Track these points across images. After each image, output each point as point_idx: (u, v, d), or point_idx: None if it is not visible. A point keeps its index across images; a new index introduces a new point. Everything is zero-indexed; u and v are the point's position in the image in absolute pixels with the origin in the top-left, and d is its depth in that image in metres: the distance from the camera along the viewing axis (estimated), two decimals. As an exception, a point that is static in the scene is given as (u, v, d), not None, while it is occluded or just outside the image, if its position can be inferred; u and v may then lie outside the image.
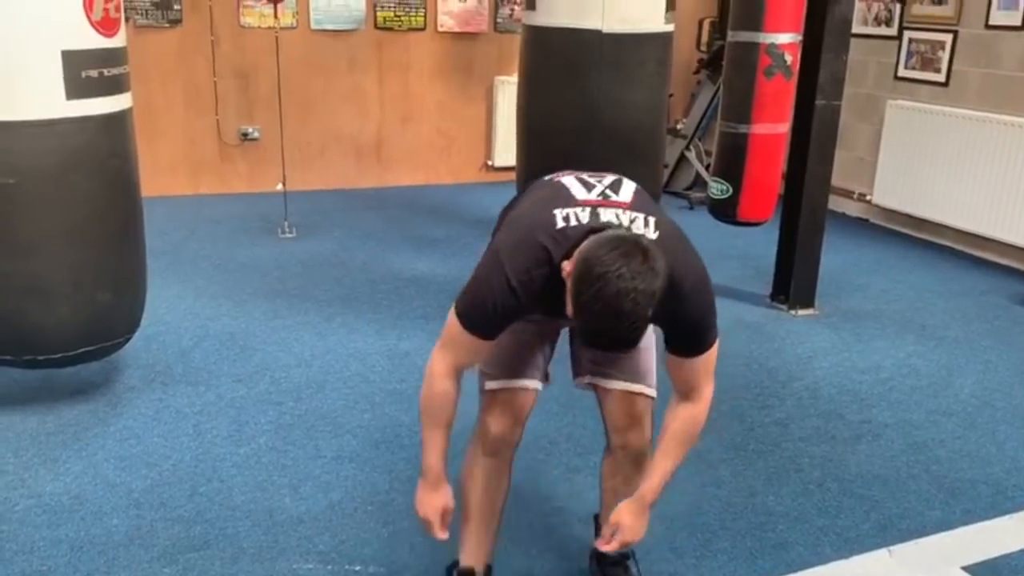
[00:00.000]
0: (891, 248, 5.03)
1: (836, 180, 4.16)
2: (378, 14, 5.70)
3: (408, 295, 3.96)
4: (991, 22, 4.66)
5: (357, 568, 2.10)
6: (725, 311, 3.88)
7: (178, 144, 5.48)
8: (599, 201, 1.58)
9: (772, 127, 4.06)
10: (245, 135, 5.57)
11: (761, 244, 4.47)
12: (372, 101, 5.86)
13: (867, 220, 5.54)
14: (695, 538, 2.27)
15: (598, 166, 3.46)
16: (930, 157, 4.95)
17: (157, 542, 2.16)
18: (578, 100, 3.46)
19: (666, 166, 5.80)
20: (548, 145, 3.86)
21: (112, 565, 2.08)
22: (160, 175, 5.25)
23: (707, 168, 5.47)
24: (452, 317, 1.63)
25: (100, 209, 2.55)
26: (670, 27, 3.51)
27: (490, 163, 6.23)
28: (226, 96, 5.48)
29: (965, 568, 2.18)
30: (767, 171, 4.15)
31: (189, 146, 5.51)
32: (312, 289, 4.02)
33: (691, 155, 5.94)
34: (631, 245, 1.41)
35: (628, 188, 1.65)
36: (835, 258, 4.34)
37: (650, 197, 1.71)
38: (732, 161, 4.17)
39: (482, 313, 1.59)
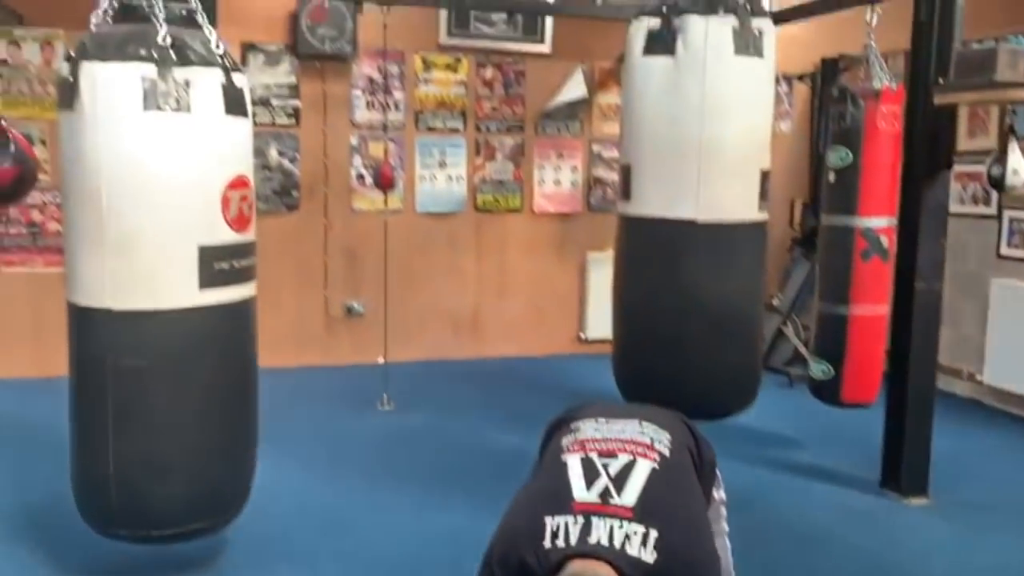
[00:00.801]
0: (1007, 431, 4.78)
1: (943, 359, 4.06)
2: (478, 197, 6.04)
3: (501, 472, 3.93)
4: (1095, 203, 4.61)
5: None
6: (832, 498, 3.77)
7: (288, 318, 5.78)
8: (596, 506, 1.51)
9: (872, 308, 4.04)
10: (350, 310, 5.84)
11: (868, 427, 4.32)
12: (470, 277, 6.11)
13: (979, 401, 5.31)
14: None
15: (696, 350, 3.50)
16: (1042, 337, 4.79)
17: None
18: (673, 284, 3.54)
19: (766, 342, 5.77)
20: (643, 325, 3.93)
21: None
22: (269, 347, 5.46)
23: (804, 343, 5.42)
24: None
25: (223, 391, 2.70)
26: (764, 215, 3.61)
27: (582, 335, 6.32)
28: (335, 273, 5.81)
29: None
30: (870, 352, 4.09)
31: (298, 320, 5.81)
32: (409, 464, 4.07)
33: (788, 331, 5.90)
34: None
35: (637, 480, 1.56)
36: (947, 442, 4.14)
37: (676, 475, 1.63)
38: (833, 342, 4.13)
39: None
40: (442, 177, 5.97)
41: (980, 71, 3.22)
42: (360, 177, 5.79)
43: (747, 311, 3.65)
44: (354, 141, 5.78)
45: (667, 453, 1.66)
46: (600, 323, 6.16)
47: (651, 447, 1.66)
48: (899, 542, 3.36)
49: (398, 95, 5.81)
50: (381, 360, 5.11)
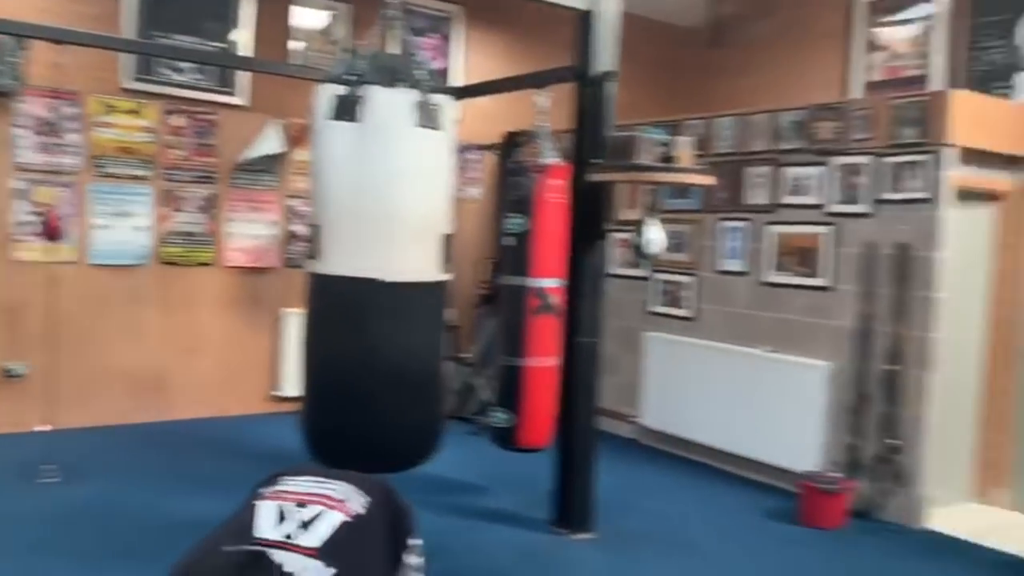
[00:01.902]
0: (660, 468, 5.43)
1: (609, 404, 4.54)
2: (164, 249, 5.75)
3: (183, 541, 3.74)
4: (720, 268, 5.45)
5: None
6: (508, 540, 4.04)
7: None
8: (278, 543, 1.56)
9: (543, 360, 4.44)
10: (8, 372, 5.24)
11: (542, 470, 4.69)
12: (154, 334, 5.76)
13: (636, 440, 5.97)
14: None
15: (377, 404, 3.60)
16: (684, 382, 5.53)
17: None
18: (358, 341, 3.63)
19: (456, 392, 6.06)
20: (330, 381, 3.96)
21: None
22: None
23: (492, 395, 5.77)
24: None
25: None
26: (447, 276, 3.84)
27: (276, 393, 6.20)
28: (-10, 331, 5.20)
29: None
30: (543, 401, 4.47)
31: (-59, 384, 5.10)
32: (75, 542, 3.71)
33: (478, 382, 6.24)
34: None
35: (325, 528, 1.61)
36: (610, 479, 4.62)
37: (364, 533, 1.66)
38: (511, 391, 4.48)
39: None
40: (123, 227, 5.60)
41: (623, 154, 3.73)
42: (24, 224, 5.26)
43: (429, 366, 3.84)
44: (20, 184, 5.25)
45: (361, 512, 1.72)
46: (294, 380, 6.11)
47: (344, 503, 1.71)
48: (565, 575, 3.68)
49: (73, 137, 5.39)
50: (44, 427, 4.64)
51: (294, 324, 6.06)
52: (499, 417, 4.50)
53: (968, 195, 4.57)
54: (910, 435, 4.45)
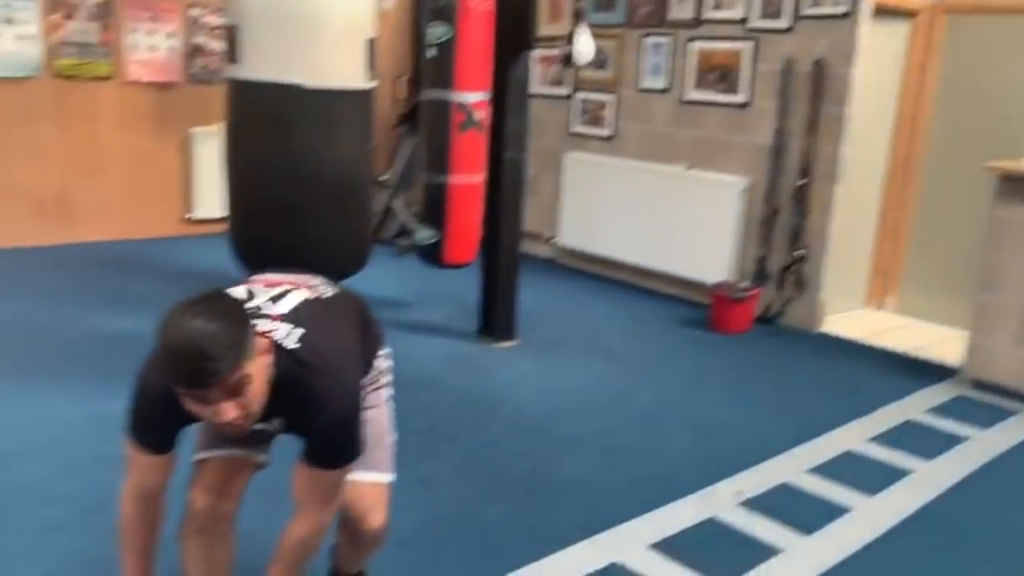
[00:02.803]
0: (577, 284, 5.64)
1: (529, 225, 4.63)
2: (57, 61, 5.35)
3: (108, 355, 3.74)
4: (642, 86, 5.46)
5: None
6: (437, 349, 4.18)
7: None
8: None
9: (469, 177, 4.42)
10: None
11: (466, 286, 4.80)
12: (52, 152, 5.46)
13: (555, 260, 6.14)
14: (424, 555, 2.43)
15: (309, 217, 3.59)
16: (602, 201, 5.65)
17: None
18: (284, 151, 3.54)
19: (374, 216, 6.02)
20: (256, 196, 3.90)
21: None
22: None
23: (412, 216, 5.77)
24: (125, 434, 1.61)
25: None
26: (372, 84, 3.73)
27: (189, 216, 6.04)
28: None
29: (651, 546, 2.55)
30: (468, 218, 4.50)
31: None
32: (2, 358, 3.66)
33: (397, 205, 6.22)
34: (203, 299, 1.42)
35: (293, 300, 1.64)
36: (530, 295, 4.78)
37: (332, 309, 1.70)
38: (436, 209, 4.47)
39: (139, 421, 1.59)
40: (9, 35, 5.17)
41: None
42: None
43: (357, 178, 3.80)
44: None
45: (329, 295, 1.75)
46: (209, 203, 5.96)
47: (314, 287, 1.74)
48: (492, 377, 3.86)
49: (-61, -68, 4.84)
50: (-55, 247, 4.44)
51: (206, 143, 5.84)
52: (424, 235, 4.53)
53: (885, 11, 4.65)
54: (814, 246, 4.72)
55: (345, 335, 1.71)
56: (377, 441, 1.87)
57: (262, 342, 1.50)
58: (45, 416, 3.12)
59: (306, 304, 1.66)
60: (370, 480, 1.86)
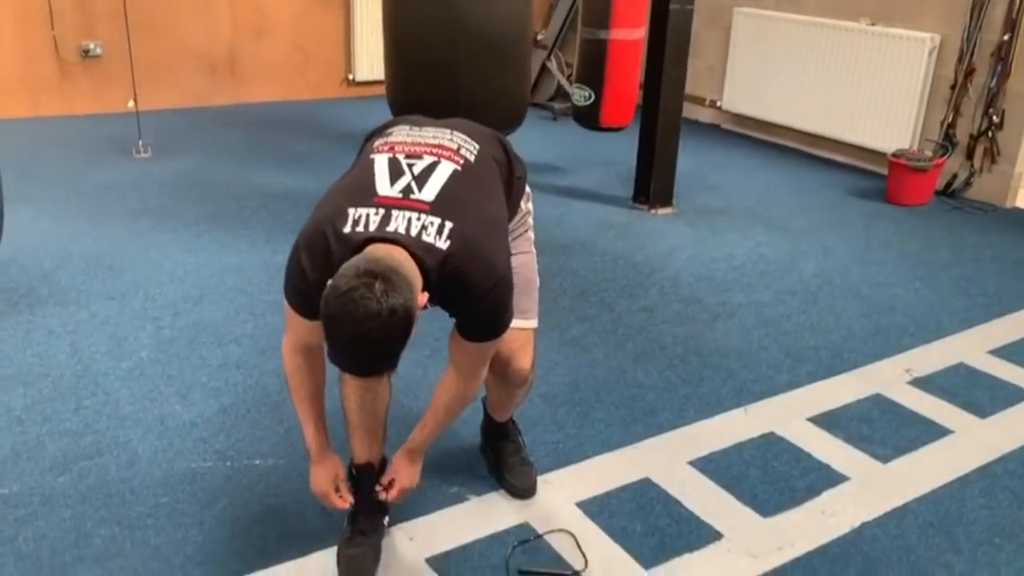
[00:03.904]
0: (740, 150, 5.35)
1: (689, 88, 4.37)
2: (223, -80, 5.42)
3: (278, 210, 3.92)
4: (825, -68, 4.94)
5: (257, 462, 2.16)
6: (591, 214, 4.11)
7: (11, 63, 5.09)
8: (397, 200, 1.55)
9: (629, 32, 4.21)
10: (86, 52, 5.23)
11: (623, 150, 4.66)
12: (222, 15, 5.61)
13: (718, 126, 5.84)
14: (574, 412, 2.45)
15: (467, 74, 3.53)
16: (773, 63, 5.26)
17: (46, 454, 2.14)
18: (443, 10, 3.47)
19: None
20: (416, 56, 3.86)
21: (0, 479, 2.05)
22: (-7, 96, 4.89)
23: (568, 78, 5.60)
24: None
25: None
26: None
27: (351, 77, 6.13)
28: (62, 10, 5.10)
29: (810, 419, 2.46)
30: (626, 77, 4.31)
31: (24, 65, 5.13)
32: (176, 208, 3.91)
33: (552, 65, 6.05)
34: (369, 278, 1.38)
35: (439, 179, 1.61)
36: (689, 160, 4.59)
37: (478, 178, 1.67)
38: (593, 68, 4.31)
39: (294, 292, 1.61)
40: None
41: None
42: None
43: (516, 34, 3.69)
44: None
45: (472, 159, 1.72)
46: (370, 65, 6.02)
47: (457, 152, 1.70)
48: (647, 244, 3.77)
49: None
50: (131, 105, 4.71)
51: (367, 6, 5.84)
52: (581, 95, 4.38)
53: None
54: (1014, 112, 4.23)
55: (493, 207, 1.69)
56: (524, 288, 1.87)
57: (419, 281, 1.48)
58: (221, 264, 3.33)
59: (452, 181, 1.62)
60: (518, 326, 1.86)
